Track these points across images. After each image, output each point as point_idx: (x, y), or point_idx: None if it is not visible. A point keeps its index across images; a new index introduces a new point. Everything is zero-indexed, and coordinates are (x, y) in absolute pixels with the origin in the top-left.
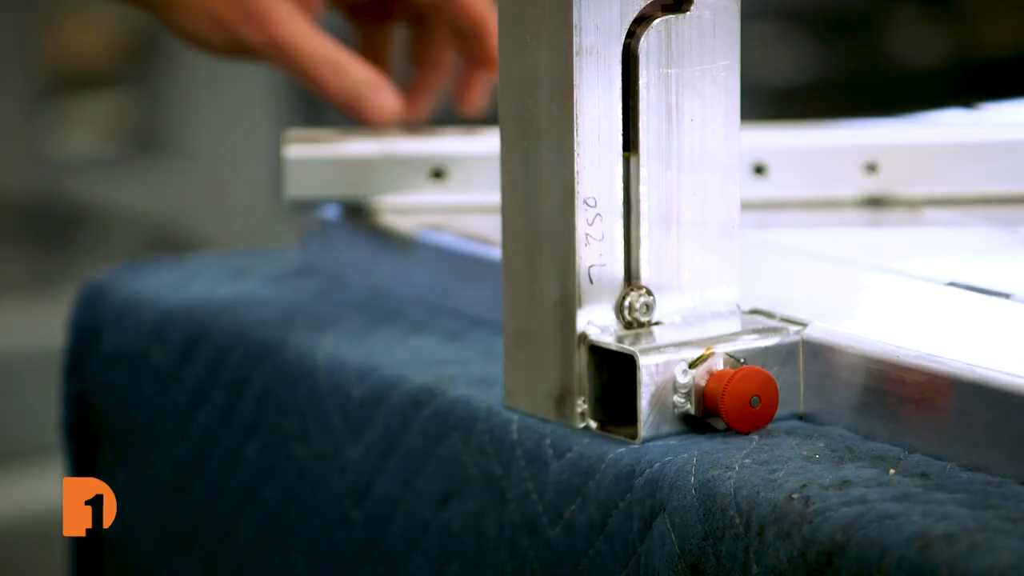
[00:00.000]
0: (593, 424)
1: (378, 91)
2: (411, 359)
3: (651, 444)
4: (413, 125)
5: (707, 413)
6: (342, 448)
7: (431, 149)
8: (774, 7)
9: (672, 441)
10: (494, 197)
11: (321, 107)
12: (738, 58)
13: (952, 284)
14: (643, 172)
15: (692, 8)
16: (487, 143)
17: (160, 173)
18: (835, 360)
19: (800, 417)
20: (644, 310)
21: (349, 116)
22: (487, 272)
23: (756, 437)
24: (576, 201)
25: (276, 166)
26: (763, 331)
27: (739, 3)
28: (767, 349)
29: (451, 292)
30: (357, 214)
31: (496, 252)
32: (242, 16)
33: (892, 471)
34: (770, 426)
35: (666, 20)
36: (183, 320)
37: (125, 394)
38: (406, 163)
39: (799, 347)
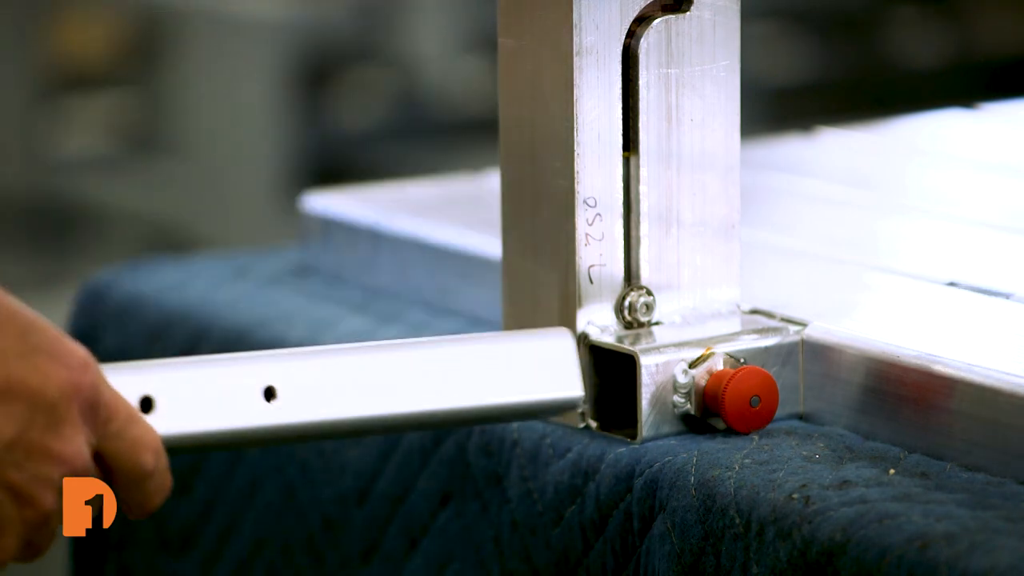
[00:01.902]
0: (593, 424)
1: None
2: None
3: (651, 444)
4: None
5: (707, 413)
6: (342, 448)
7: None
8: (774, 7)
9: (672, 441)
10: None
11: (321, 106)
12: (738, 58)
13: (952, 284)
14: (643, 172)
15: (692, 8)
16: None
17: (160, 173)
18: (835, 360)
19: (800, 417)
20: (644, 310)
21: None
22: (487, 272)
23: (756, 437)
24: (576, 201)
25: (276, 166)
26: (763, 331)
27: (739, 3)
28: (767, 349)
29: (451, 292)
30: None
31: (496, 252)
32: None
33: (892, 471)
34: (770, 426)
35: (666, 20)
36: (183, 320)
37: None
38: None
39: (799, 347)
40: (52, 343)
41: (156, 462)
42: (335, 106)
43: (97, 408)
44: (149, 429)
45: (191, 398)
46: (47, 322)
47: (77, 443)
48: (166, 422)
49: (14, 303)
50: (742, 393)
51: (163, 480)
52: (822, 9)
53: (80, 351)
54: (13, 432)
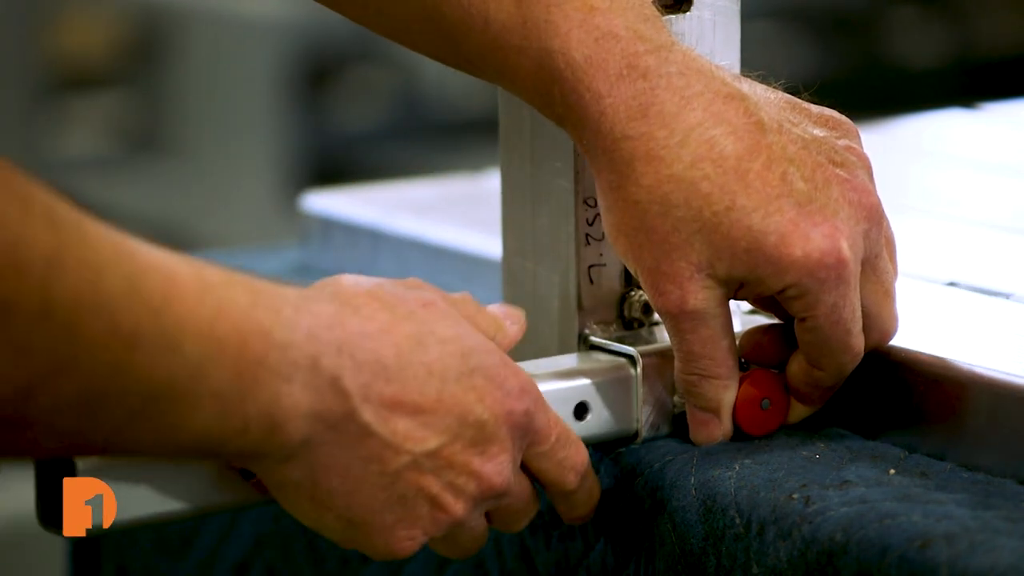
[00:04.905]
0: None
1: (706, 424)
2: None
3: (651, 444)
4: None
5: None
6: None
7: None
8: (774, 7)
9: (672, 441)
10: None
11: (321, 106)
12: (738, 58)
13: (952, 284)
14: None
15: (692, 8)
16: None
17: (160, 173)
18: None
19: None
20: (644, 310)
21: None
22: (487, 272)
23: (756, 437)
24: (576, 201)
25: (276, 166)
26: None
27: (739, 3)
28: None
29: (451, 292)
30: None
31: (496, 252)
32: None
33: (892, 471)
34: None
35: (666, 20)
36: None
37: None
38: None
39: None
40: (493, 367)
41: (579, 481)
42: (335, 106)
43: (528, 432)
44: (578, 451)
45: (618, 402)
46: (494, 348)
47: (499, 461)
48: (596, 426)
49: (466, 331)
50: (753, 396)
51: (589, 494)
52: (822, 9)
53: (519, 378)
54: (437, 443)
